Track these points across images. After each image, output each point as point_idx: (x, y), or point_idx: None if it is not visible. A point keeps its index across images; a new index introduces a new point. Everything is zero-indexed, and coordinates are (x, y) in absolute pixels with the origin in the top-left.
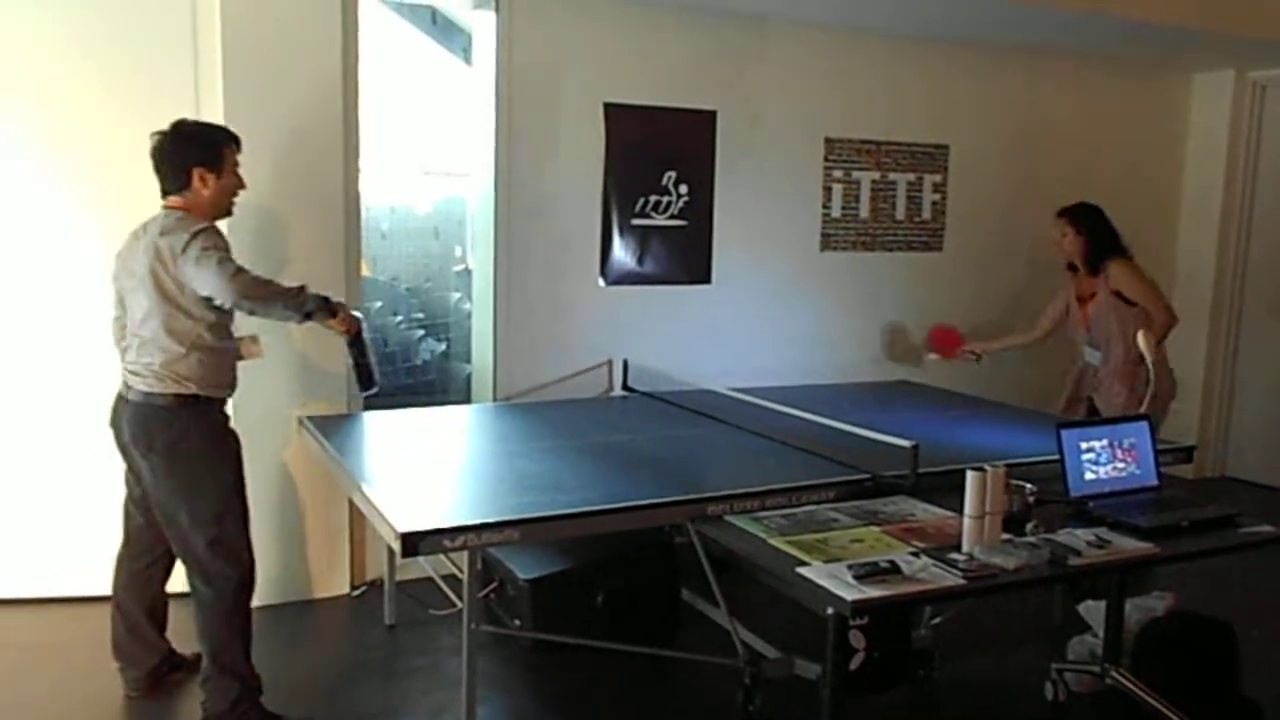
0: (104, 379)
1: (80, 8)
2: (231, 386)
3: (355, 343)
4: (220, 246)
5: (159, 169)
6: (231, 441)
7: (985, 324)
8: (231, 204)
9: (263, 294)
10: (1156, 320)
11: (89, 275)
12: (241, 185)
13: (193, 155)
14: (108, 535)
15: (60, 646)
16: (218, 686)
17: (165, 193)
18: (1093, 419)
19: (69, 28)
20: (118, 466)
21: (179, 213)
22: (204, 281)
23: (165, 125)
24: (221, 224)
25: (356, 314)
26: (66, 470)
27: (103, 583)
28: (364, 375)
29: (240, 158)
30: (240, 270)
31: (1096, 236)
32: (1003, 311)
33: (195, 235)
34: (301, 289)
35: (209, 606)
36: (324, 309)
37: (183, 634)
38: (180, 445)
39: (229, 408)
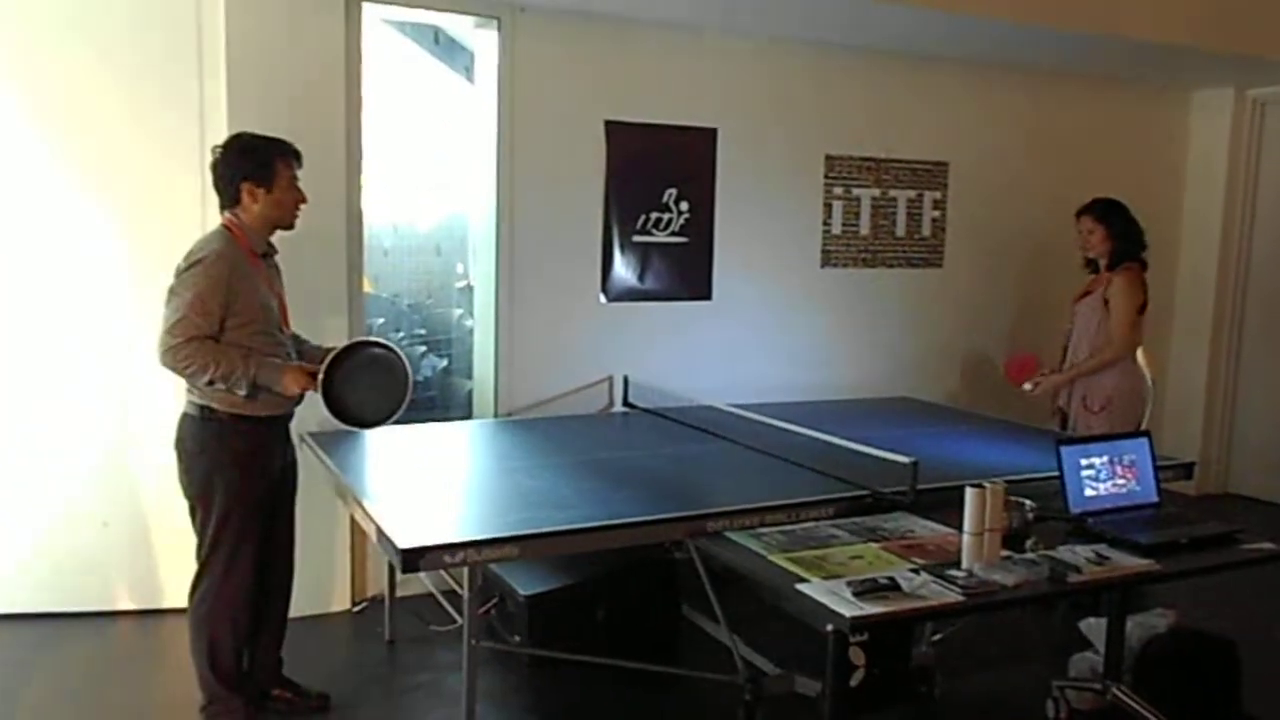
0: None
1: (85, 27)
2: (273, 406)
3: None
4: (199, 296)
5: (215, 184)
6: (250, 475)
7: (984, 341)
8: (292, 218)
9: (182, 373)
10: (1113, 343)
11: (91, 286)
12: (301, 199)
13: (241, 170)
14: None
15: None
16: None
17: (221, 207)
18: (1094, 435)
19: (73, 46)
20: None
21: (221, 230)
22: (163, 317)
23: (165, 142)
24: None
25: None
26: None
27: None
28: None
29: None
30: (184, 344)
31: (1123, 235)
32: (1001, 329)
33: (193, 265)
34: (240, 379)
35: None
36: (255, 391)
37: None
38: (197, 458)
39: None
